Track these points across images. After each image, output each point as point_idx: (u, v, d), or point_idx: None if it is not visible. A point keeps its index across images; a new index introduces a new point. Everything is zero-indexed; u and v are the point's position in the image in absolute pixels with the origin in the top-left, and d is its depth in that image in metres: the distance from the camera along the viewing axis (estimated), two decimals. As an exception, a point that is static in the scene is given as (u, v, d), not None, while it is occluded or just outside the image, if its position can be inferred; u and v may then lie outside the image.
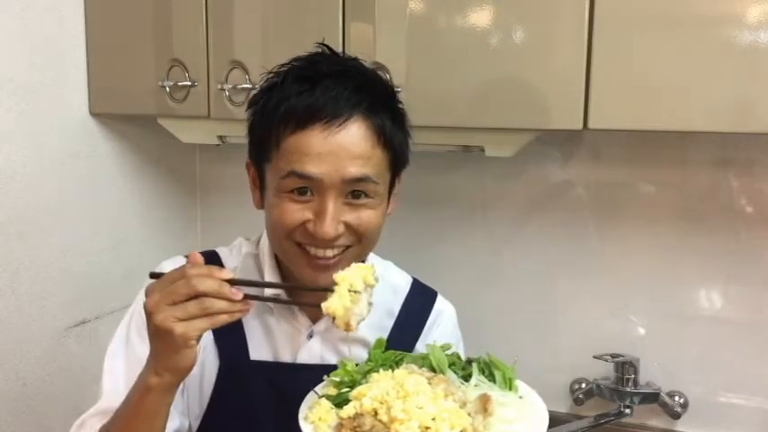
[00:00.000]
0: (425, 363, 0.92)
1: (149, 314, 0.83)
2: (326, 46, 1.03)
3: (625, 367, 1.47)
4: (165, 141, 1.60)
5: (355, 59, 1.03)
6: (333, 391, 0.90)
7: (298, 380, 0.99)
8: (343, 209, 0.95)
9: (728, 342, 1.46)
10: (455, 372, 0.91)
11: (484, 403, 0.83)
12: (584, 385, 1.53)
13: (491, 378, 0.91)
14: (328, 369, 0.98)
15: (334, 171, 0.93)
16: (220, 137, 1.49)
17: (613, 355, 1.47)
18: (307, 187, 0.94)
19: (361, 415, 0.82)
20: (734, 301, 1.46)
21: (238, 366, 1.06)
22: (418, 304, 1.15)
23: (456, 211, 1.62)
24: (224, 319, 0.83)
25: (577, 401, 1.54)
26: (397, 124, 1.00)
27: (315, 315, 1.06)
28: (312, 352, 1.07)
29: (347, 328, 0.86)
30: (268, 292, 1.02)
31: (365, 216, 0.97)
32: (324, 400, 0.87)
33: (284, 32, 1.35)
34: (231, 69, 1.38)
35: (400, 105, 1.03)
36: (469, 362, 0.94)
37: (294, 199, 0.95)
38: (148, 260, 1.66)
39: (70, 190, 1.49)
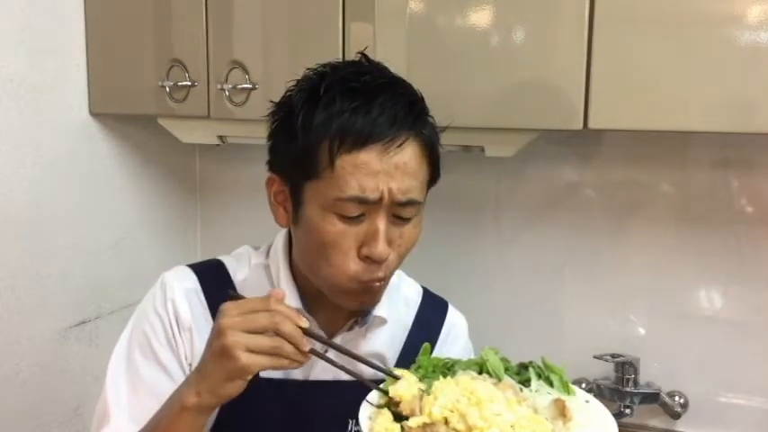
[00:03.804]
0: (483, 368, 0.89)
1: (221, 331, 0.80)
2: (365, 55, 1.00)
3: (625, 367, 1.47)
4: (165, 141, 1.60)
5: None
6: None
7: (310, 398, 0.96)
8: (389, 227, 0.94)
9: (728, 342, 1.46)
10: (510, 377, 0.88)
11: (561, 408, 0.81)
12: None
13: (549, 383, 0.88)
14: (342, 385, 0.96)
15: (387, 191, 0.91)
16: (220, 137, 1.49)
17: (613, 355, 1.47)
18: (361, 214, 0.92)
19: (433, 424, 0.78)
20: (734, 301, 1.46)
21: (247, 386, 1.03)
22: (430, 317, 1.13)
23: (454, 212, 1.62)
24: (285, 364, 0.82)
25: (577, 401, 1.53)
26: (436, 137, 1.00)
27: (331, 330, 1.03)
28: (326, 368, 1.02)
29: (411, 413, 0.82)
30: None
31: (407, 233, 0.96)
32: (385, 410, 0.83)
33: (284, 32, 1.35)
34: (231, 69, 1.38)
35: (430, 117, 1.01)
36: (524, 366, 0.91)
37: (346, 222, 0.92)
38: (148, 260, 1.68)
39: (70, 190, 1.49)
